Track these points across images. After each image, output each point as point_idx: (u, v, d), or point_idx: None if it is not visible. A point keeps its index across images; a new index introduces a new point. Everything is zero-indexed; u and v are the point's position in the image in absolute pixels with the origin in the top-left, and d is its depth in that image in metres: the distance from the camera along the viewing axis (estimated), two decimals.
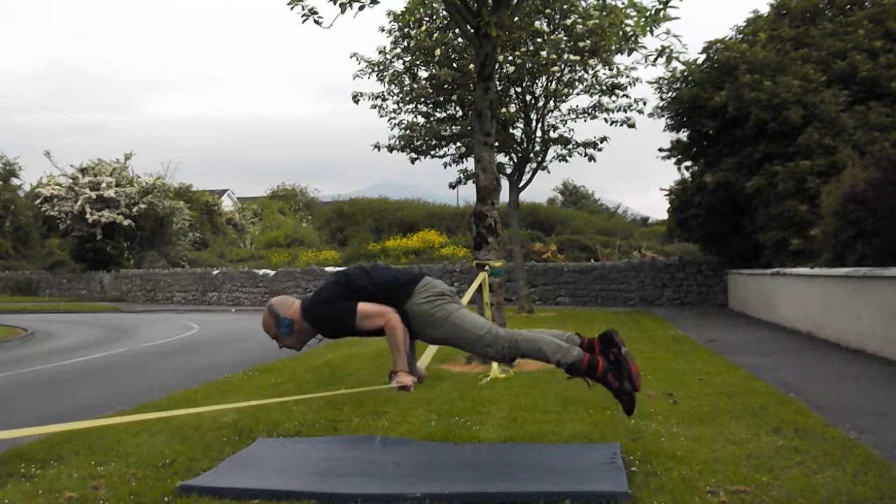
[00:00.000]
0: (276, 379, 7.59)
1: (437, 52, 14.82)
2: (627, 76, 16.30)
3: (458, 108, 16.73)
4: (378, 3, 7.79)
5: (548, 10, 15.14)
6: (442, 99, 16.45)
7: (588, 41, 14.69)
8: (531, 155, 17.35)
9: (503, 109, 15.98)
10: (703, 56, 17.04)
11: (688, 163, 18.91)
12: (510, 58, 15.26)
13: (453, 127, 17.01)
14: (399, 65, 16.22)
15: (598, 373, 3.67)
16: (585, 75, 16.41)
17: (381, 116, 17.19)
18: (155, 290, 27.61)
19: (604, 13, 12.68)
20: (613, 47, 14.26)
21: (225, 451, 4.51)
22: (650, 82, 17.97)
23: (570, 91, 16.69)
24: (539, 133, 17.26)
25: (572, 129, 17.79)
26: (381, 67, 16.25)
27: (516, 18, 9.87)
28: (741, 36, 17.38)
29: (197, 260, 31.85)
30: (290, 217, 42.45)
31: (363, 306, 3.74)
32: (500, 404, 5.83)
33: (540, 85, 16.75)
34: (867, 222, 10.62)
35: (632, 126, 16.73)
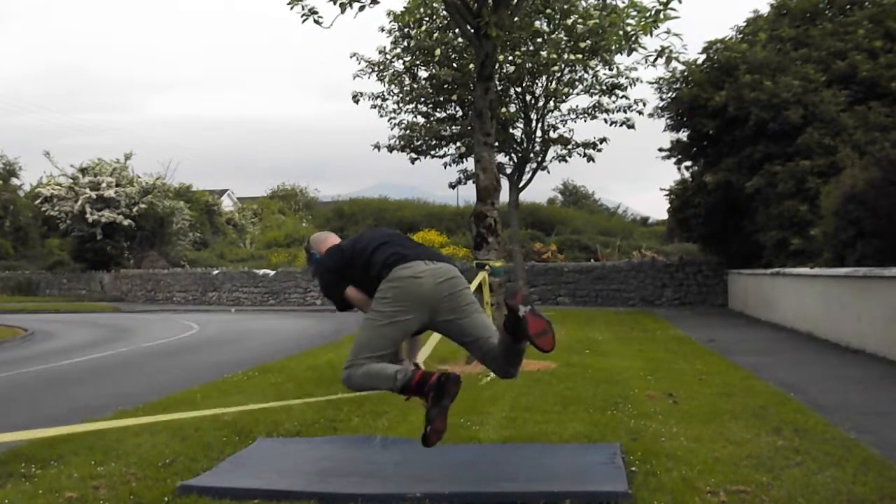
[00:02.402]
0: (276, 379, 7.58)
1: (437, 52, 14.80)
2: (627, 76, 16.29)
3: (458, 108, 16.71)
4: (378, 3, 7.78)
5: (548, 10, 15.12)
6: (442, 99, 16.43)
7: (588, 41, 14.68)
8: (531, 155, 17.33)
9: (503, 109, 15.97)
10: (703, 56, 17.04)
11: (688, 163, 18.92)
12: (510, 58, 15.24)
13: (453, 127, 17.00)
14: (399, 65, 16.20)
15: (426, 387, 3.49)
16: (585, 75, 16.40)
17: (381, 116, 17.16)
18: (155, 290, 27.60)
19: (604, 13, 12.67)
20: (613, 47, 14.26)
21: (225, 451, 4.51)
22: (650, 82, 17.99)
23: (570, 91, 16.67)
24: (539, 133, 17.24)
25: (572, 130, 17.78)
26: (381, 67, 16.24)
27: (516, 18, 9.87)
28: (741, 36, 17.39)
29: (197, 260, 31.85)
30: (290, 217, 42.45)
31: (349, 294, 3.80)
32: (500, 404, 5.83)
33: (540, 85, 16.73)
34: (867, 222, 10.62)
35: (631, 127, 16.72)
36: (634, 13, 7.64)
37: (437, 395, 3.45)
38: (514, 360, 3.63)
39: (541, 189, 44.59)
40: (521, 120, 17.10)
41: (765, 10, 17.80)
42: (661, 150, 18.88)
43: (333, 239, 4.01)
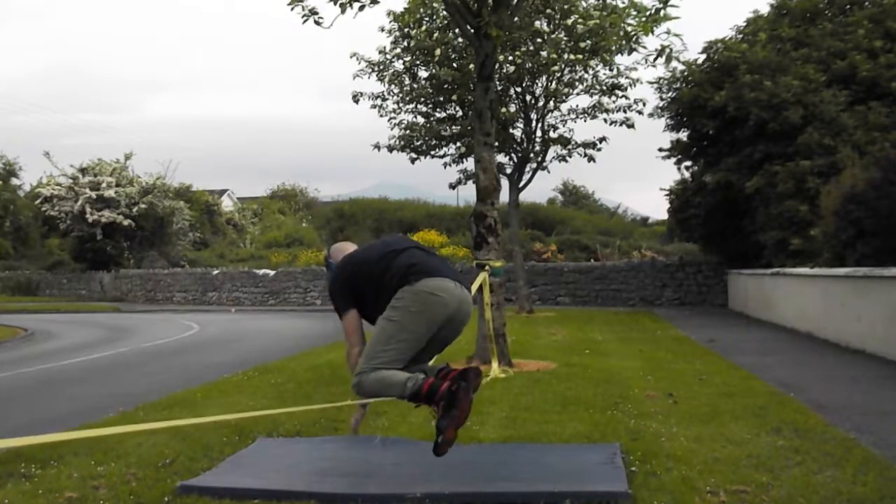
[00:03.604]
0: (276, 379, 7.58)
1: (437, 52, 14.80)
2: (627, 76, 16.31)
3: (458, 108, 16.71)
4: (378, 3, 7.78)
5: (548, 10, 15.13)
6: (442, 99, 16.43)
7: (588, 41, 14.68)
8: (531, 155, 17.34)
9: (503, 109, 15.97)
10: (703, 56, 17.04)
11: (688, 163, 18.92)
12: (510, 58, 15.25)
13: (453, 127, 17.00)
14: (399, 65, 16.21)
15: (436, 396, 3.48)
16: (585, 75, 16.41)
17: (381, 116, 17.18)
18: (155, 290, 27.60)
19: (604, 13, 12.68)
20: (614, 47, 14.27)
21: (225, 451, 4.51)
22: (650, 82, 17.99)
23: (570, 91, 16.68)
24: (539, 133, 17.25)
25: (572, 130, 17.80)
26: (381, 67, 16.24)
27: (516, 18, 9.87)
28: (741, 36, 17.38)
29: (197, 260, 31.83)
30: (290, 217, 42.43)
31: (347, 319, 3.78)
32: (500, 404, 5.83)
33: (540, 85, 16.74)
34: (867, 222, 10.62)
35: (631, 126, 16.73)
36: (634, 13, 7.65)
37: (447, 405, 3.44)
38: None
39: (541, 189, 44.59)
40: (521, 120, 17.10)
41: (765, 10, 17.80)
42: (661, 150, 18.88)
43: (351, 248, 4.02)
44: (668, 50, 7.44)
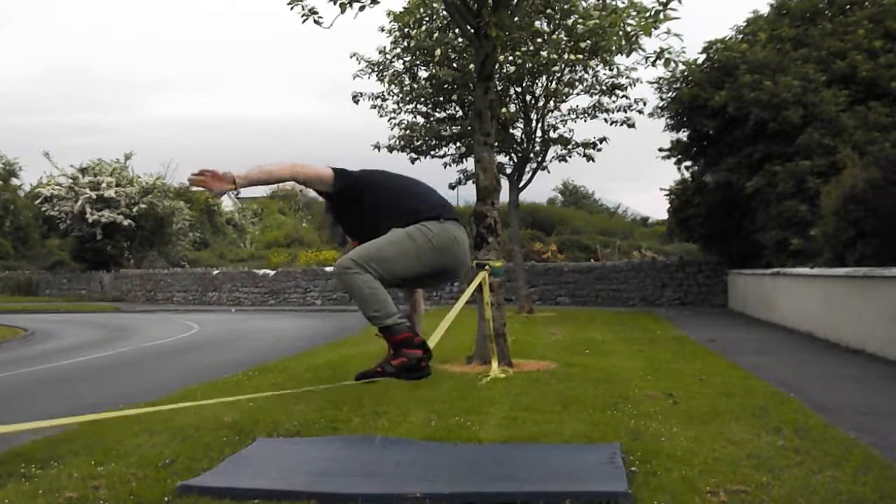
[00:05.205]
0: (276, 379, 7.58)
1: (437, 52, 14.80)
2: (627, 76, 16.31)
3: (458, 108, 16.72)
4: (378, 3, 7.79)
5: (548, 10, 15.14)
6: (442, 99, 16.44)
7: (588, 41, 14.69)
8: (531, 155, 17.35)
9: (503, 109, 15.97)
10: (703, 56, 17.05)
11: (688, 163, 18.94)
12: (510, 58, 15.25)
13: (453, 127, 17.00)
14: (399, 65, 16.22)
15: (402, 348, 3.48)
16: (585, 75, 16.41)
17: (381, 116, 17.19)
18: (155, 290, 27.61)
19: (604, 13, 12.68)
20: (614, 48, 14.27)
21: (225, 451, 4.51)
22: (650, 82, 18.00)
23: (571, 91, 16.69)
24: (539, 133, 17.26)
25: (572, 130, 17.82)
26: (381, 67, 16.25)
27: (516, 18, 9.87)
28: (741, 36, 17.39)
29: (197, 260, 31.84)
30: (290, 217, 42.45)
31: (321, 170, 3.72)
32: (500, 404, 5.83)
33: (540, 85, 16.74)
34: (867, 222, 10.62)
35: (631, 126, 16.74)
36: (634, 13, 7.66)
37: (404, 368, 3.47)
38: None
39: (541, 189, 44.66)
40: (521, 120, 17.10)
41: (765, 10, 17.81)
42: (661, 150, 18.90)
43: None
44: (666, 52, 7.46)
